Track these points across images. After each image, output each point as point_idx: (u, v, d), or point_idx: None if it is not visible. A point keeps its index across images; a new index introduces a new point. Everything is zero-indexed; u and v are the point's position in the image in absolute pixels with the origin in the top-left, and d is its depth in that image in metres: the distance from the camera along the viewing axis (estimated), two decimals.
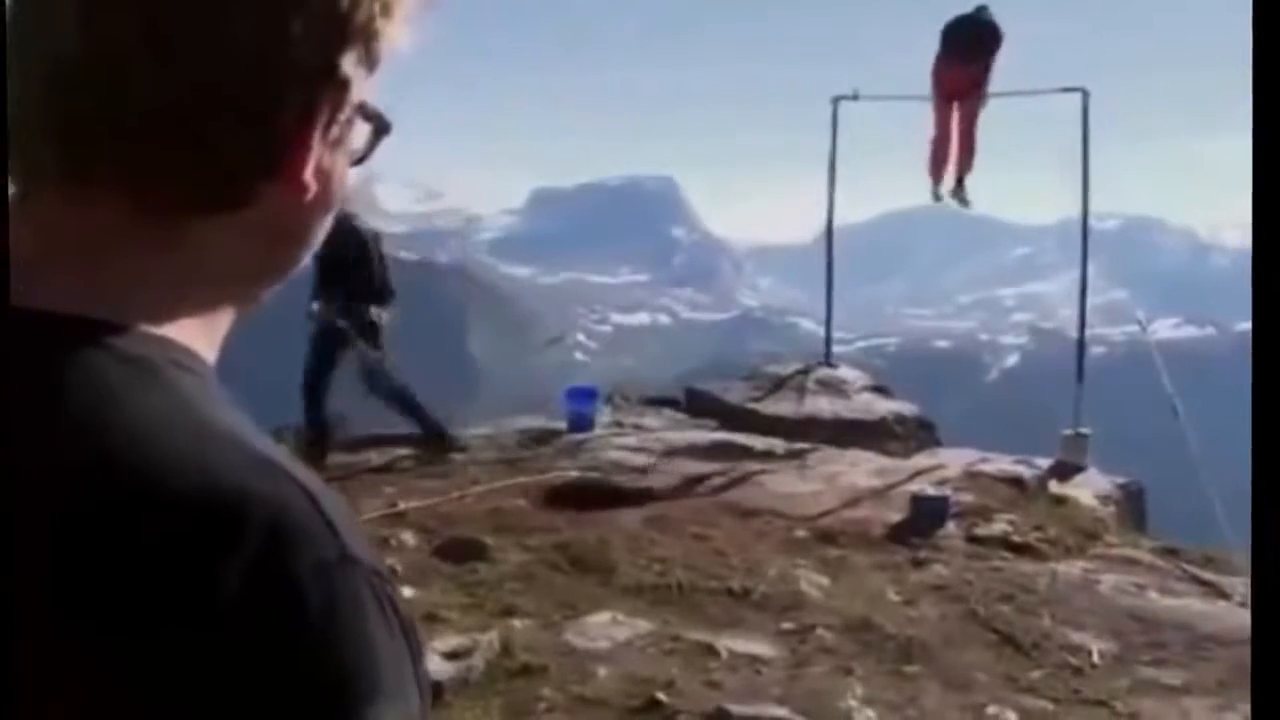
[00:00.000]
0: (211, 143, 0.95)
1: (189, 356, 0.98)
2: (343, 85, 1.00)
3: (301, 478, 0.92)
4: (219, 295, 1.03)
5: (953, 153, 14.64)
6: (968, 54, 14.11)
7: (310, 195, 1.02)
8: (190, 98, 0.93)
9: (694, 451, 12.33)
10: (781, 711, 6.35)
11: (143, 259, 0.97)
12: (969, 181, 14.81)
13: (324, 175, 1.03)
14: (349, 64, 1.00)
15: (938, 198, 15.19)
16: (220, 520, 0.85)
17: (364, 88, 1.03)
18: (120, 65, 0.93)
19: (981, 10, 14.18)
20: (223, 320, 1.05)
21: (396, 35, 1.03)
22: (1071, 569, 9.23)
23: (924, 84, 14.64)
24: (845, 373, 15.92)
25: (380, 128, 1.08)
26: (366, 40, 1.01)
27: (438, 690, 6.25)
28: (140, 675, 0.82)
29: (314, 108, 0.99)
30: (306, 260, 1.09)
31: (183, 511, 0.85)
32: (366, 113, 1.05)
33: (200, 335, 1.01)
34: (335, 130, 1.02)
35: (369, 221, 11.76)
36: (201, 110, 0.94)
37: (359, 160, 1.08)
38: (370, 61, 1.02)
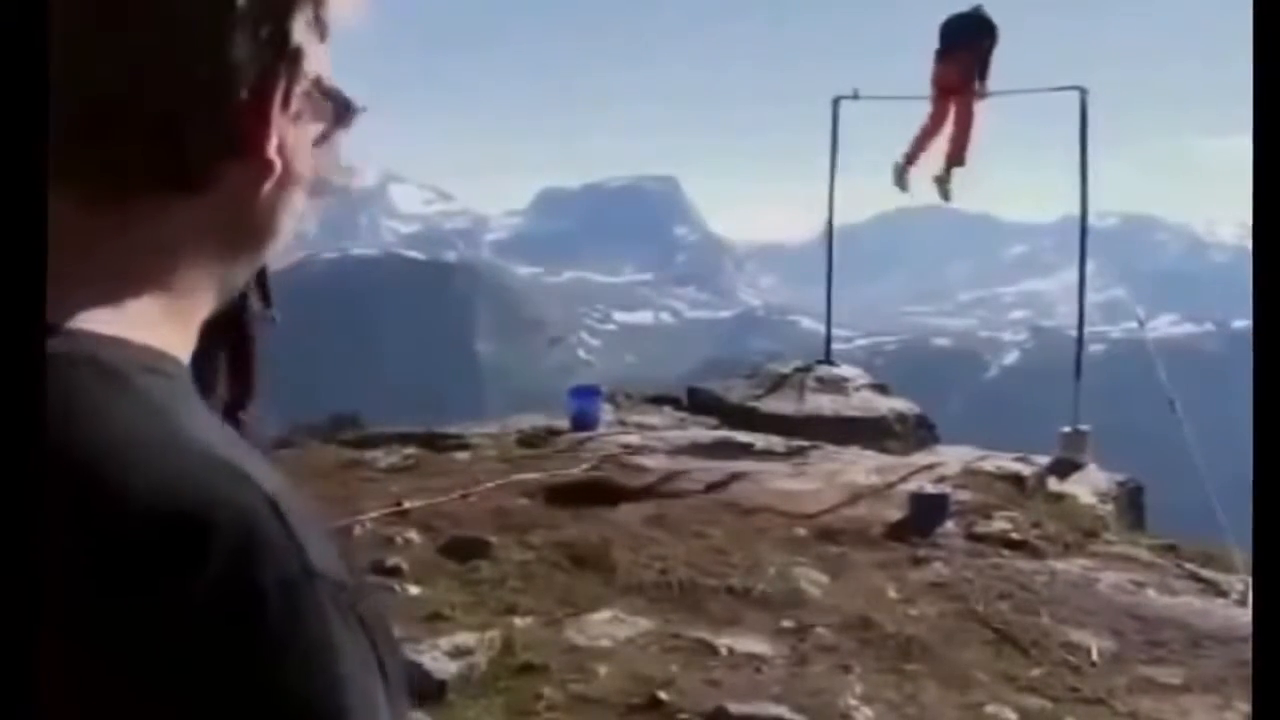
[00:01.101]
0: (165, 126, 0.93)
1: (160, 359, 0.96)
2: (295, 54, 0.98)
3: (269, 489, 0.89)
4: (190, 286, 1.00)
5: (944, 144, 14.63)
6: (959, 45, 14.23)
7: (275, 172, 0.99)
8: (137, 79, 0.91)
9: (695, 449, 12.35)
10: (781, 710, 6.35)
11: (105, 257, 0.95)
12: (964, 180, 14.80)
13: (288, 151, 1.00)
14: (299, 31, 0.98)
15: (901, 185, 15.04)
16: (184, 536, 0.84)
17: (317, 58, 1.01)
18: (60, 52, 0.89)
19: (976, 9, 14.31)
20: (197, 310, 1.03)
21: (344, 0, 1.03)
22: (1070, 566, 9.24)
23: (925, 84, 14.68)
24: (845, 371, 15.97)
25: (342, 105, 1.05)
26: (315, 5, 1.00)
27: (440, 688, 6.28)
28: (107, 688, 0.81)
29: (269, 80, 0.97)
30: (282, 241, 1.06)
31: (149, 526, 0.83)
32: (324, 89, 1.03)
33: (172, 332, 0.99)
34: (294, 104, 1.00)
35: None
36: (151, 91, 0.92)
37: (324, 138, 1.05)
38: (320, 28, 1.01)
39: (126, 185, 0.95)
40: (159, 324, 0.98)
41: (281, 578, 0.85)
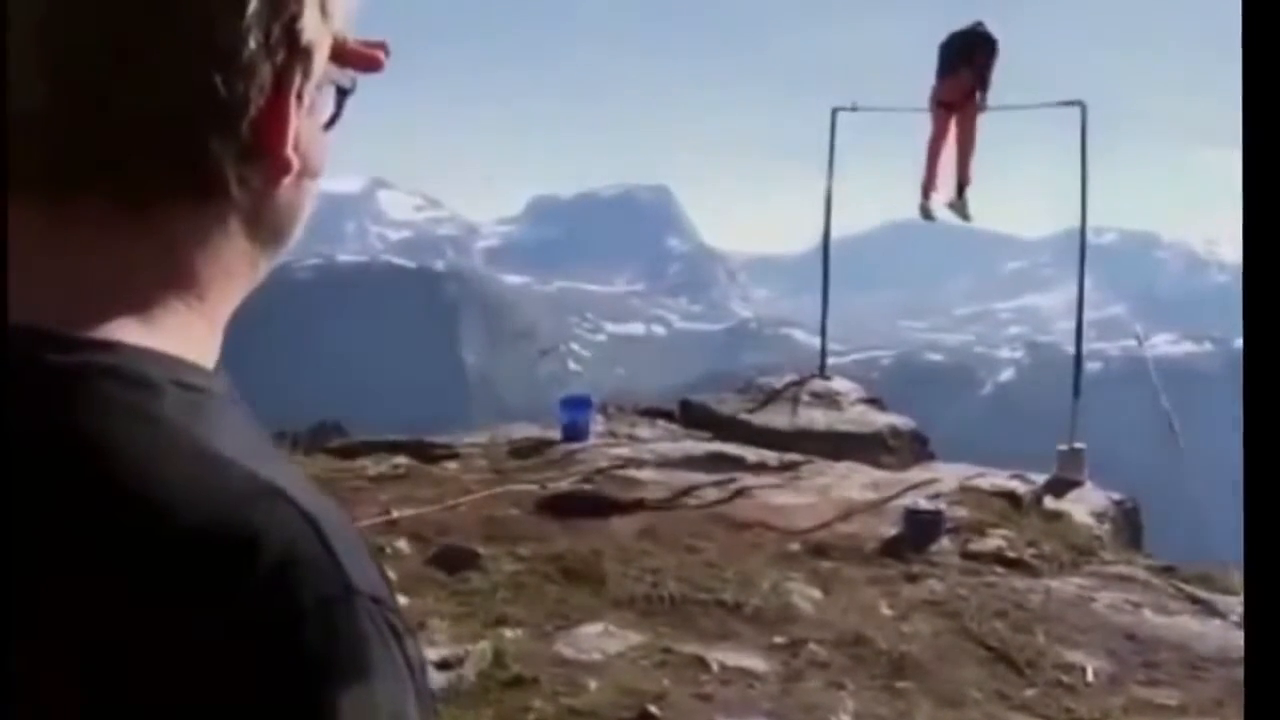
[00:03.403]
0: (186, 136, 0.93)
1: (191, 372, 0.96)
2: (308, 51, 0.98)
3: (306, 505, 0.90)
4: (217, 289, 1.01)
5: (950, 163, 14.70)
6: (961, 63, 14.30)
7: (294, 170, 1.00)
8: (155, 90, 0.91)
9: (687, 463, 12.33)
10: None
11: (133, 268, 0.95)
12: (969, 195, 14.85)
13: (303, 145, 1.00)
14: (310, 27, 0.98)
15: (927, 215, 15.24)
16: (226, 556, 0.84)
17: (327, 48, 1.01)
18: (77, 65, 0.90)
19: (976, 25, 14.37)
20: (224, 313, 1.03)
21: None
22: (1066, 586, 9.22)
23: (922, 97, 14.70)
24: (839, 385, 15.91)
25: (343, 88, 1.06)
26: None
27: None
28: (141, 710, 0.81)
29: (284, 80, 0.97)
30: (299, 234, 1.07)
31: (190, 546, 0.84)
32: (332, 76, 1.04)
33: (202, 339, 0.99)
34: (308, 98, 1.01)
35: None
36: (169, 102, 0.92)
37: (332, 122, 1.06)
38: (327, 20, 1.00)
39: (150, 195, 0.95)
40: (188, 332, 0.98)
41: (321, 596, 0.86)
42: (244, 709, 0.82)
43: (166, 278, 0.97)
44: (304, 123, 1.01)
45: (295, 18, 0.96)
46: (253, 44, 0.93)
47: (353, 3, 1.04)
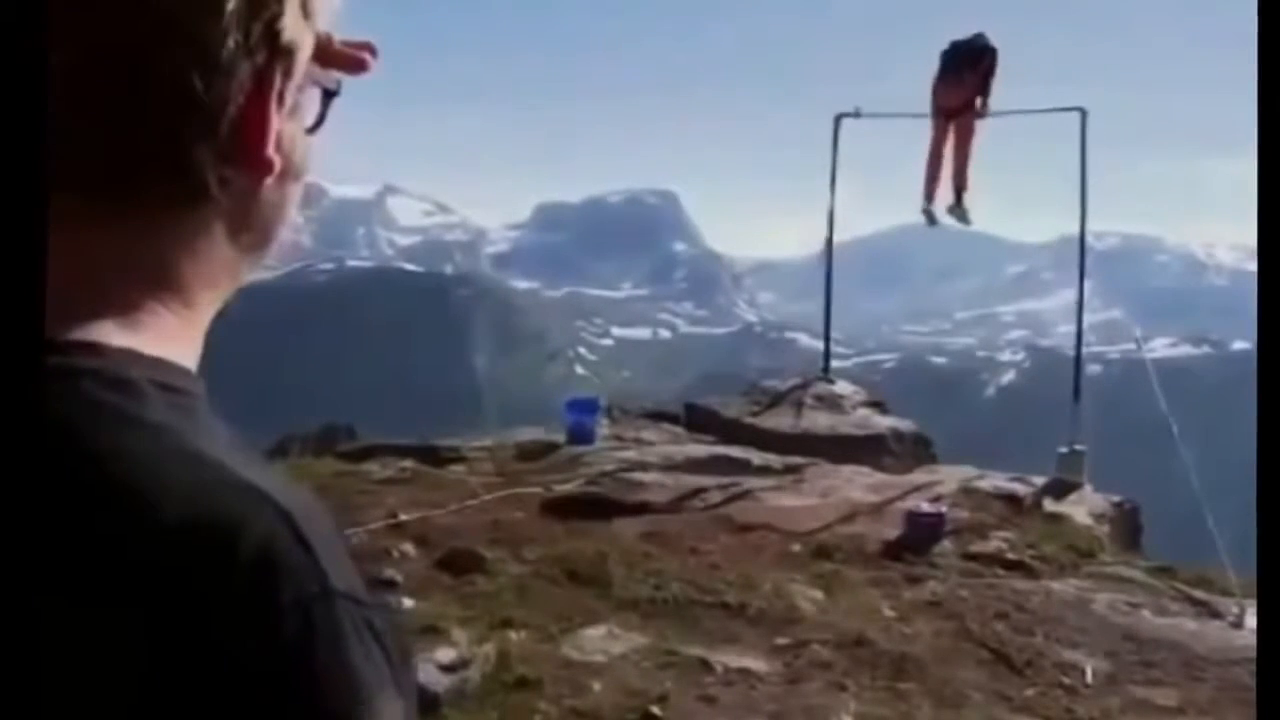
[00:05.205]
0: (167, 139, 0.93)
1: (174, 374, 0.95)
2: (289, 50, 0.98)
3: (287, 505, 0.89)
4: (201, 291, 1.01)
5: (948, 169, 14.78)
6: (962, 73, 14.39)
7: (276, 171, 0.99)
8: (136, 93, 0.91)
9: (692, 466, 12.33)
10: None
11: (117, 271, 0.95)
12: (967, 200, 14.91)
13: (285, 146, 1.00)
14: (291, 27, 0.97)
15: (930, 219, 15.33)
16: (205, 553, 0.84)
17: (309, 49, 1.01)
18: (53, 64, 0.85)
19: (978, 36, 14.47)
20: (207, 314, 1.03)
21: None
22: (1066, 587, 9.23)
23: (925, 103, 14.75)
24: (843, 388, 15.91)
25: (328, 90, 1.05)
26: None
27: (434, 701, 6.26)
28: (124, 707, 0.82)
29: (265, 81, 0.96)
30: (284, 235, 1.07)
31: (172, 544, 0.84)
32: (316, 77, 1.03)
33: (181, 341, 0.99)
34: (289, 99, 1.00)
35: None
36: (150, 105, 0.91)
37: (317, 125, 1.05)
38: (309, 20, 0.99)
39: (130, 196, 0.94)
40: (172, 334, 0.98)
41: (299, 597, 0.86)
42: (221, 707, 0.82)
43: (148, 279, 0.96)
44: (286, 123, 1.00)
45: (276, 17, 0.95)
46: (231, 43, 0.92)
47: (336, 2, 1.03)
